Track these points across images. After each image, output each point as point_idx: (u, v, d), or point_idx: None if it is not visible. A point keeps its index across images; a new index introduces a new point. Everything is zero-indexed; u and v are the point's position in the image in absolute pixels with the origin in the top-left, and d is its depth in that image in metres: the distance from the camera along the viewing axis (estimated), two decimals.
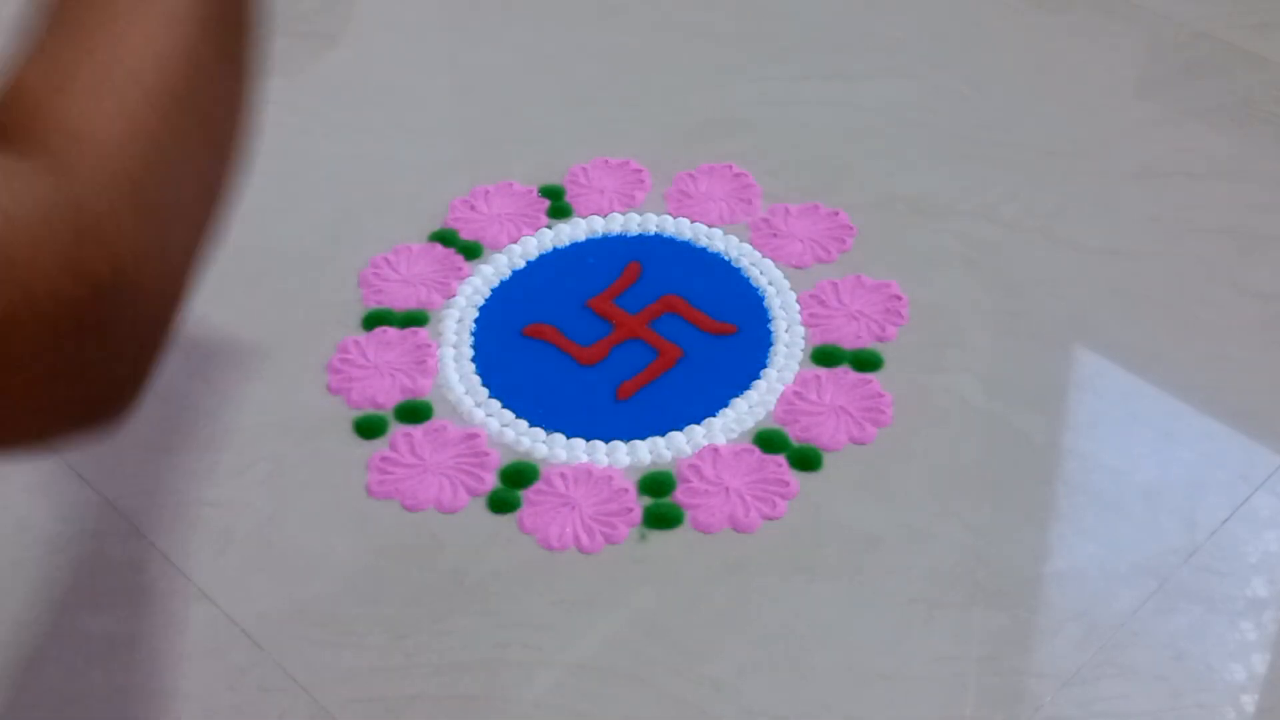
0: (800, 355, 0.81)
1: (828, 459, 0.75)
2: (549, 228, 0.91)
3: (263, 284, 0.88)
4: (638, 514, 0.73)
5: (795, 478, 0.74)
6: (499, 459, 0.76)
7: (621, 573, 0.71)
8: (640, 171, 0.95)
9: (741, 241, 0.89)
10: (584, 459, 0.76)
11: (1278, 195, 0.91)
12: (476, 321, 0.85)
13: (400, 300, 0.86)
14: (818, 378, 0.80)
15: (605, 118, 1.00)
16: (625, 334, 0.83)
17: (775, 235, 0.89)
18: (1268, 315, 0.82)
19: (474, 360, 0.82)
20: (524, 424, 0.78)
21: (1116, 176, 0.93)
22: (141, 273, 0.40)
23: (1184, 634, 0.66)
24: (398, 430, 0.78)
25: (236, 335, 0.84)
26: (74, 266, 0.37)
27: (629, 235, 0.90)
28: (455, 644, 0.68)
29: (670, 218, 0.91)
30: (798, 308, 0.84)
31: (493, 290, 0.87)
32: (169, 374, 0.84)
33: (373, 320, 0.85)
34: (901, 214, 0.91)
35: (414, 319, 0.85)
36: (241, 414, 0.80)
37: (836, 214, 0.90)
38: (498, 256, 0.89)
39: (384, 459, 0.76)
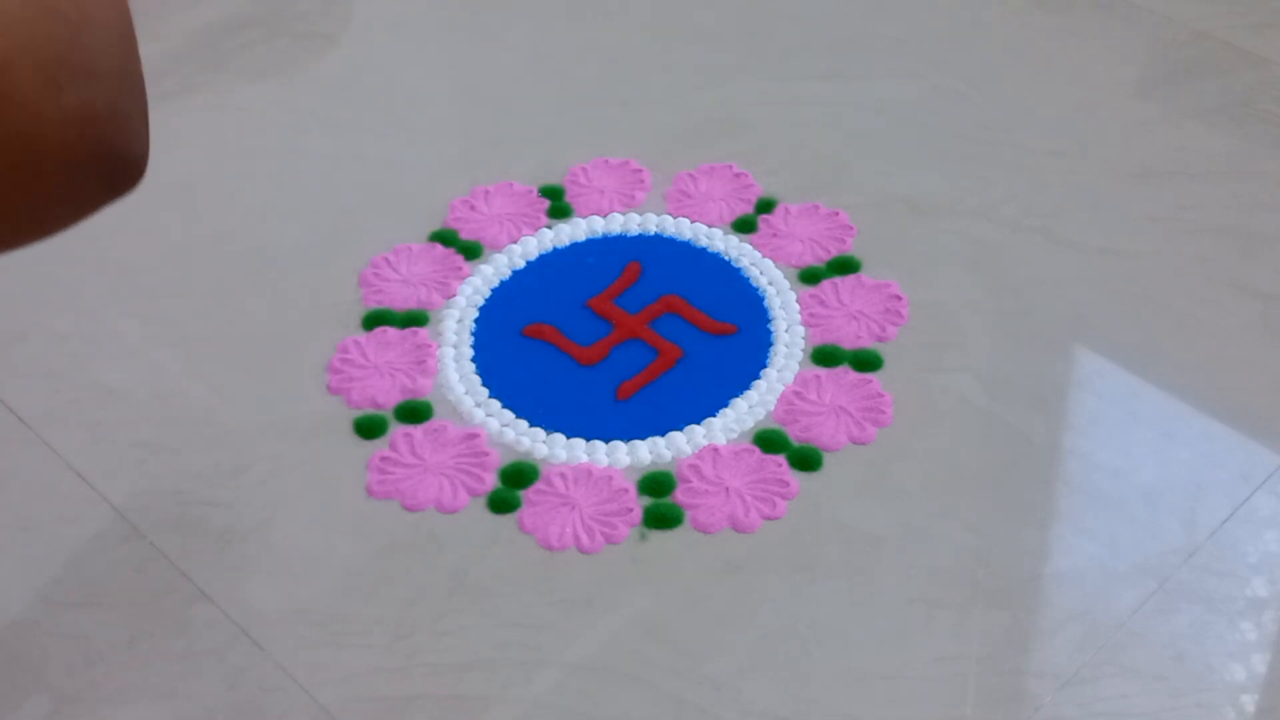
0: (800, 355, 0.81)
1: (828, 459, 0.75)
2: (549, 228, 0.91)
3: (263, 284, 0.88)
4: (638, 514, 0.73)
5: (795, 478, 0.74)
6: (499, 459, 0.76)
7: (621, 573, 0.71)
8: (640, 171, 0.95)
9: (741, 241, 0.89)
10: (584, 459, 0.76)
11: (1277, 195, 0.91)
12: (476, 321, 0.85)
13: (400, 300, 0.86)
14: (818, 378, 0.80)
15: (605, 118, 1.00)
16: (625, 334, 0.83)
17: (775, 235, 0.89)
18: (1268, 315, 0.82)
19: (474, 360, 0.82)
20: (524, 424, 0.78)
21: (1116, 176, 0.93)
22: (99, 10, 0.45)
23: (1184, 634, 0.66)
24: (398, 430, 0.78)
25: (236, 335, 0.84)
26: (47, 13, 0.42)
27: (629, 235, 0.90)
28: (455, 644, 0.68)
29: (670, 218, 0.91)
30: (798, 308, 0.84)
31: (493, 290, 0.87)
32: (169, 373, 0.85)
33: (373, 320, 0.85)
34: (901, 214, 0.91)
35: (414, 319, 0.85)
36: (241, 414, 0.80)
37: (836, 214, 0.90)
38: (498, 256, 0.89)
39: (384, 459, 0.76)
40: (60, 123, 0.43)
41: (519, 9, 1.12)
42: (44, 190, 0.44)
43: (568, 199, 0.93)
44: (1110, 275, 0.85)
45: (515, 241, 0.90)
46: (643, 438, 0.77)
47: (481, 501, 0.74)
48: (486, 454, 0.77)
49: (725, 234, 0.90)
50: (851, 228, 0.89)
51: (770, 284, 0.86)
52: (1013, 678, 0.65)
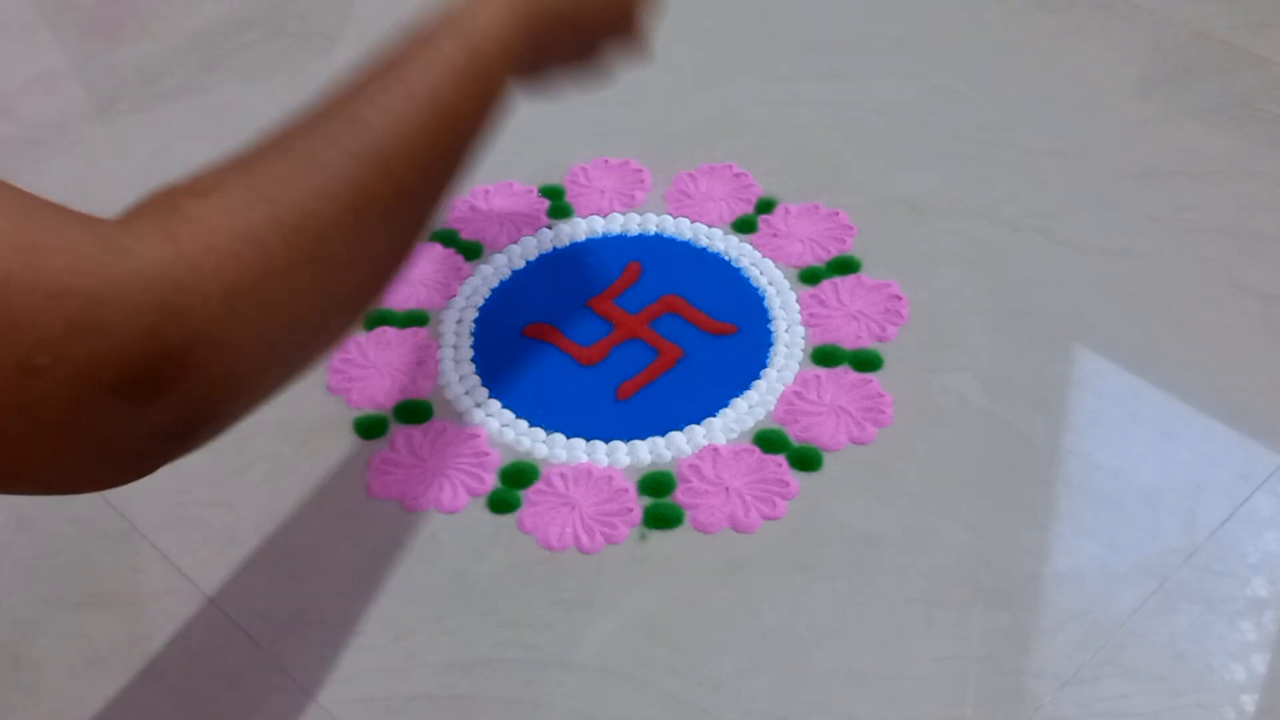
0: (800, 355, 0.81)
1: (828, 459, 0.75)
2: (549, 228, 0.91)
3: None
4: (638, 514, 0.73)
5: (795, 478, 0.74)
6: (499, 459, 0.76)
7: (621, 573, 0.71)
8: (640, 171, 0.95)
9: (741, 241, 0.89)
10: (584, 459, 0.76)
11: (1277, 195, 0.91)
12: (476, 321, 0.85)
13: (400, 300, 0.86)
14: (818, 378, 0.80)
15: (605, 118, 1.00)
16: (625, 334, 0.83)
17: (775, 235, 0.89)
18: (1268, 315, 0.82)
19: (474, 360, 0.82)
20: (524, 424, 0.78)
21: (1116, 176, 0.93)
22: (213, 361, 0.45)
23: (1184, 634, 0.66)
24: (398, 430, 0.78)
25: None
26: (154, 332, 0.41)
27: (629, 235, 0.90)
28: (455, 644, 0.68)
29: (670, 218, 0.91)
30: (798, 308, 0.84)
31: (493, 290, 0.87)
32: None
33: (373, 320, 0.85)
34: (901, 214, 0.91)
35: (414, 319, 0.85)
36: None
37: (836, 214, 0.90)
38: (498, 256, 0.89)
39: (384, 459, 0.76)
40: (104, 422, 0.42)
41: None
42: (50, 476, 0.44)
43: (568, 199, 0.93)
44: (1110, 275, 0.85)
45: (515, 241, 0.90)
46: (643, 438, 0.77)
47: (481, 501, 0.74)
48: (486, 454, 0.77)
49: (725, 234, 0.90)
50: (851, 228, 0.89)
51: (770, 284, 0.86)
52: (1013, 678, 0.65)
